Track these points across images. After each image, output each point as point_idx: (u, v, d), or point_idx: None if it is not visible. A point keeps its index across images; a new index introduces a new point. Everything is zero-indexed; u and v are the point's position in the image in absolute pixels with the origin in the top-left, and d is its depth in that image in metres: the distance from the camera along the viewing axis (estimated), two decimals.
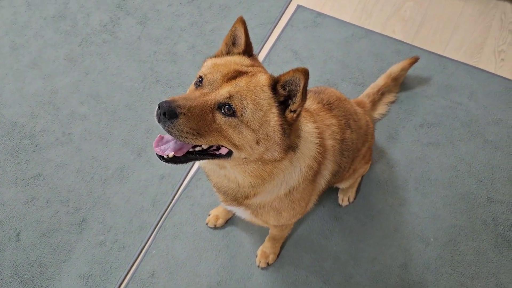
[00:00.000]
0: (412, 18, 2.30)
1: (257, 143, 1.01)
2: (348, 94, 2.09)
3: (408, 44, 2.21)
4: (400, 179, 1.93)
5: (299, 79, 0.96)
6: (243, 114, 0.97)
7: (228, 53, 1.13)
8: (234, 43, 1.12)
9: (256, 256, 1.77)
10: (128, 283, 1.74)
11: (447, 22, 2.28)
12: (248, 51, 1.11)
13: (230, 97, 0.97)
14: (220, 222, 1.82)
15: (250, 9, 2.35)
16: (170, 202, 1.90)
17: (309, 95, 1.43)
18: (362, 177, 1.93)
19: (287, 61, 2.16)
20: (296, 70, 0.95)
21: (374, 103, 1.95)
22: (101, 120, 2.07)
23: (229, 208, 1.38)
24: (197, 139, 0.97)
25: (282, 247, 1.79)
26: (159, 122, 0.95)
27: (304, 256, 1.78)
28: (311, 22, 2.29)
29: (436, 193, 1.88)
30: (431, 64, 2.16)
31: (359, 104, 1.82)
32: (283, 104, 1.02)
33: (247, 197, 1.20)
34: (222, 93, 0.98)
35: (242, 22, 1.08)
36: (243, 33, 1.09)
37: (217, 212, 1.82)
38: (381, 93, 1.96)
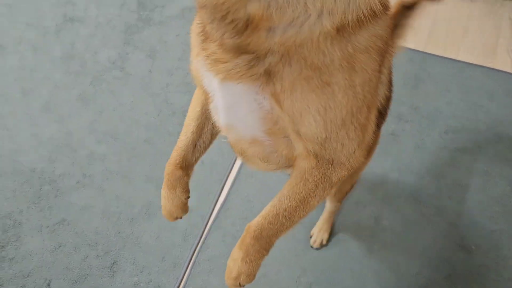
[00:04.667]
0: (421, 25, 2.30)
1: None
2: None
3: (420, 51, 2.21)
4: (431, 188, 1.90)
5: None
6: None
7: None
8: None
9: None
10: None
11: (456, 26, 2.29)
12: None
13: None
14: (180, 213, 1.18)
15: None
16: (201, 235, 1.85)
17: None
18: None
19: None
20: None
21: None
22: (121, 158, 2.04)
23: (217, 85, 0.73)
24: None
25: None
26: None
27: (340, 275, 1.73)
28: None
29: (471, 199, 1.85)
30: (447, 69, 2.15)
31: None
32: None
33: (257, 24, 0.62)
34: None
35: None
36: None
37: (165, 200, 1.16)
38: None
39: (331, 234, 1.80)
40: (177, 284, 1.76)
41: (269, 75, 0.66)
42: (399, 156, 1.96)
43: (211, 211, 1.89)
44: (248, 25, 0.62)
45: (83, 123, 2.15)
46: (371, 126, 0.81)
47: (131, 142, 2.08)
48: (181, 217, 1.14)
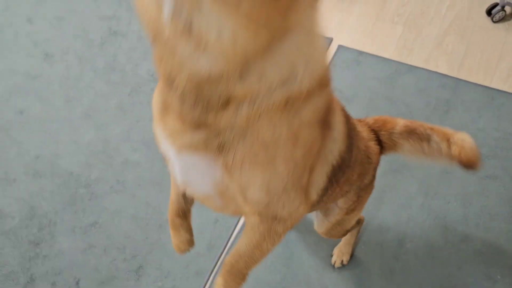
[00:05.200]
0: (454, 51, 2.30)
1: None
2: None
3: (453, 77, 2.21)
4: (458, 214, 1.88)
5: None
6: None
7: None
8: None
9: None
10: None
11: (491, 53, 2.28)
12: None
13: None
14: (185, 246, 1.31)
15: None
16: (225, 246, 1.90)
17: None
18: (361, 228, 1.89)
19: None
20: None
21: (411, 133, 1.29)
22: (153, 166, 2.12)
23: (181, 158, 0.79)
24: None
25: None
26: None
27: None
28: (353, 61, 2.32)
29: (499, 228, 1.82)
30: (479, 96, 2.14)
31: (381, 122, 1.31)
32: None
33: (227, 102, 0.66)
34: None
35: None
36: None
37: (175, 238, 1.30)
38: (427, 139, 1.29)
39: (352, 255, 1.81)
40: None
41: (222, 148, 0.72)
42: (426, 181, 1.96)
43: (236, 224, 1.94)
44: (223, 104, 0.65)
45: (119, 131, 2.26)
46: (317, 183, 0.92)
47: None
48: (188, 250, 1.29)
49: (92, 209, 2.04)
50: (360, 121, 1.31)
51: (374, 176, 1.36)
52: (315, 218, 1.51)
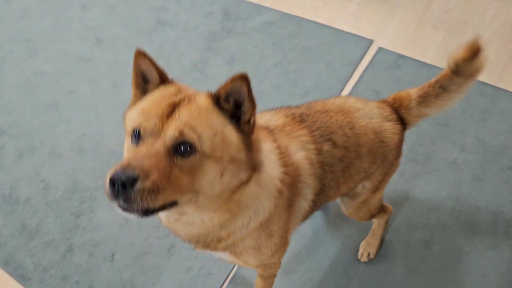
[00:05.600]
0: (496, 59, 2.30)
1: (222, 174, 0.88)
2: (432, 135, 2.11)
3: (492, 86, 2.21)
4: (488, 221, 1.88)
5: (241, 87, 0.86)
6: (202, 144, 0.84)
7: (145, 92, 0.98)
8: (145, 80, 0.99)
9: None
10: None
11: None
12: (164, 79, 0.97)
13: (180, 133, 0.84)
14: None
15: (332, 51, 2.45)
16: None
17: (277, 111, 1.28)
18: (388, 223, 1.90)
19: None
20: (235, 78, 0.86)
21: (426, 97, 1.37)
22: None
23: (205, 252, 1.24)
24: (157, 197, 0.82)
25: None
26: (115, 200, 0.81)
27: None
28: (392, 63, 2.35)
29: None
30: None
31: (398, 100, 1.40)
32: (234, 117, 0.90)
33: (219, 241, 1.06)
34: (169, 134, 0.84)
35: (143, 54, 0.94)
36: (151, 64, 0.95)
37: None
38: (440, 86, 1.35)
39: (379, 250, 1.84)
40: (226, 274, 1.87)
41: (227, 247, 1.14)
42: (457, 186, 1.97)
43: None
44: (216, 241, 1.09)
45: None
46: (289, 236, 1.29)
47: None
48: None
49: None
50: (383, 101, 1.41)
51: (398, 153, 1.43)
52: (341, 202, 1.59)
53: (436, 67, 2.31)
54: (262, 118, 1.24)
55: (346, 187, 1.37)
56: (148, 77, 0.98)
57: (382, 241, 1.85)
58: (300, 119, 1.25)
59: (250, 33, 2.60)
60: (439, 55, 2.37)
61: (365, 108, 1.35)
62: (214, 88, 2.52)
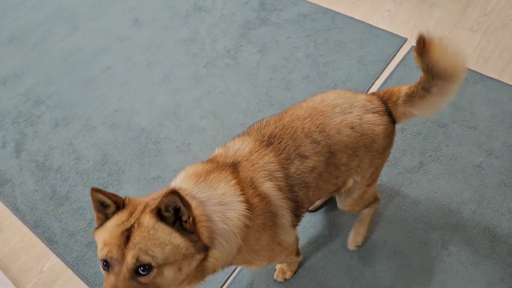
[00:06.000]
0: None
1: (180, 270, 1.08)
2: (459, 137, 2.09)
3: None
4: (510, 228, 1.86)
5: (174, 199, 1.03)
6: (157, 260, 1.03)
7: (106, 216, 1.14)
8: (105, 206, 1.14)
9: (275, 270, 1.84)
10: (229, 286, 1.86)
11: None
12: (118, 203, 1.13)
13: (137, 259, 1.02)
14: (288, 274, 1.84)
15: (364, 46, 2.46)
16: None
17: (249, 135, 1.37)
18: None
19: None
20: (167, 194, 1.02)
21: (411, 97, 1.39)
22: (217, 134, 2.27)
23: None
24: None
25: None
26: None
27: (397, 286, 1.77)
28: None
29: None
30: None
31: (387, 94, 1.45)
32: (177, 219, 1.07)
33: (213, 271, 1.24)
34: (129, 262, 1.03)
35: (96, 191, 1.10)
36: (104, 197, 1.11)
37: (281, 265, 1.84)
38: (422, 87, 1.35)
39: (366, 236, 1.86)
40: None
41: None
42: (481, 189, 1.96)
43: None
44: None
45: (191, 98, 2.43)
46: (289, 243, 1.41)
47: (228, 123, 2.30)
48: None
49: (157, 164, 2.22)
50: (373, 93, 1.49)
51: (386, 144, 1.46)
52: (337, 199, 1.65)
53: (469, 69, 2.29)
54: (234, 146, 1.34)
55: (329, 185, 1.44)
56: (106, 203, 1.13)
57: (370, 227, 1.88)
58: (267, 142, 1.32)
59: (283, 24, 2.63)
60: (473, 57, 2.34)
61: (344, 104, 1.38)
62: (244, 74, 2.59)
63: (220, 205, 1.18)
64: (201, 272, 1.16)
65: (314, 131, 1.34)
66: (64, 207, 2.15)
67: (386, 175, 2.04)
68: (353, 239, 1.87)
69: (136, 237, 1.04)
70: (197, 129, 2.31)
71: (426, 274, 1.80)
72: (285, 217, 1.33)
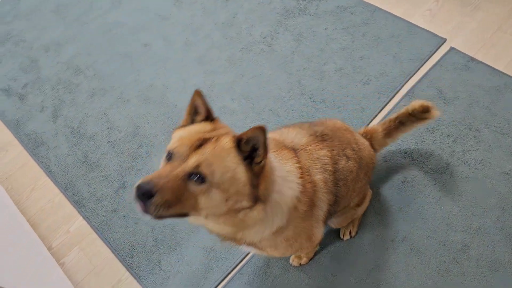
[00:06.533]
0: None
1: (227, 200, 1.09)
2: (490, 142, 2.07)
3: None
4: None
5: (259, 136, 1.04)
6: (213, 178, 1.06)
7: (192, 121, 1.21)
8: (196, 112, 1.20)
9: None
10: (244, 265, 1.90)
11: None
12: (209, 117, 1.19)
13: (198, 166, 1.05)
14: (304, 260, 1.88)
15: (401, 44, 2.44)
16: None
17: (302, 128, 1.48)
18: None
19: (430, 98, 2.20)
20: (255, 128, 1.03)
21: (389, 131, 1.82)
22: (246, 118, 2.31)
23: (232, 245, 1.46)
24: (168, 210, 1.05)
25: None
26: (137, 202, 1.04)
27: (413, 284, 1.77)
28: (462, 65, 2.30)
29: None
30: None
31: (368, 132, 1.81)
32: (250, 157, 1.10)
33: (238, 240, 1.29)
34: (190, 163, 1.05)
35: (199, 94, 1.18)
36: (202, 103, 1.18)
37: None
38: (399, 122, 1.81)
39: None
40: None
41: (249, 244, 1.34)
42: (507, 197, 1.93)
43: None
44: (235, 241, 1.31)
45: (224, 81, 2.47)
46: (316, 238, 1.47)
47: (258, 108, 2.33)
48: None
49: None
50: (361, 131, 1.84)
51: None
52: (331, 223, 1.83)
53: (507, 75, 2.24)
54: (288, 135, 1.43)
55: (350, 195, 1.61)
56: (198, 110, 1.20)
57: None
58: (321, 138, 1.44)
59: (322, 15, 2.63)
60: None
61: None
62: (278, 61, 2.59)
63: (283, 179, 1.22)
64: (237, 222, 1.18)
65: (352, 141, 1.55)
66: (94, 173, 2.24)
67: (412, 173, 2.03)
68: (346, 229, 1.91)
69: (208, 148, 1.07)
70: (228, 111, 2.35)
71: (443, 274, 1.79)
72: (322, 210, 1.40)
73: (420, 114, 1.78)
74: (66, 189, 2.21)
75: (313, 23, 2.61)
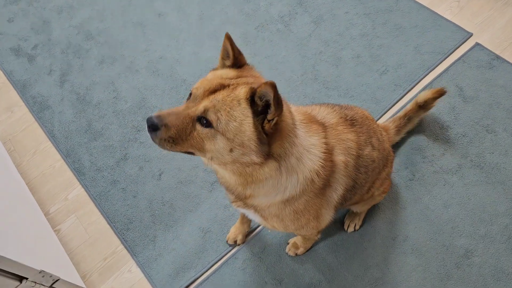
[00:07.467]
0: None
1: (231, 150, 1.10)
2: (507, 146, 1.97)
3: None
4: None
5: (268, 91, 1.02)
6: (218, 125, 1.07)
7: (223, 66, 1.22)
8: (227, 56, 1.21)
9: (288, 244, 1.85)
10: (239, 249, 1.86)
11: None
12: (236, 63, 1.19)
13: (206, 110, 1.07)
14: (240, 238, 1.87)
15: (424, 35, 2.33)
16: None
17: (333, 109, 1.46)
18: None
19: (449, 95, 2.10)
20: (266, 83, 1.00)
21: (399, 128, 1.94)
22: None
23: (239, 209, 1.45)
24: (173, 146, 1.11)
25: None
26: (149, 132, 1.12)
27: (411, 285, 1.73)
28: (486, 63, 2.19)
29: None
30: None
31: (383, 129, 1.79)
32: (264, 113, 1.07)
33: (246, 197, 1.28)
34: (200, 107, 1.08)
35: (228, 37, 1.17)
36: (230, 48, 1.18)
37: (235, 229, 1.87)
38: (408, 118, 1.95)
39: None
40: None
41: (257, 209, 1.35)
42: None
43: None
44: (244, 197, 1.27)
45: None
46: (324, 220, 1.44)
47: None
48: (235, 242, 1.89)
49: None
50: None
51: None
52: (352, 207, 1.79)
53: None
54: (320, 113, 1.41)
55: (371, 191, 1.64)
56: (228, 54, 1.20)
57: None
58: (350, 122, 1.44)
59: None
60: None
61: None
62: (294, 43, 2.50)
63: (306, 150, 1.21)
64: (245, 174, 1.17)
65: (378, 132, 1.55)
66: (96, 142, 2.20)
67: (420, 171, 1.96)
68: (351, 222, 1.87)
69: (220, 95, 1.08)
70: None
71: (442, 279, 1.74)
72: (336, 192, 1.38)
73: (431, 101, 1.92)
74: (68, 155, 2.18)
75: (334, 5, 2.51)
